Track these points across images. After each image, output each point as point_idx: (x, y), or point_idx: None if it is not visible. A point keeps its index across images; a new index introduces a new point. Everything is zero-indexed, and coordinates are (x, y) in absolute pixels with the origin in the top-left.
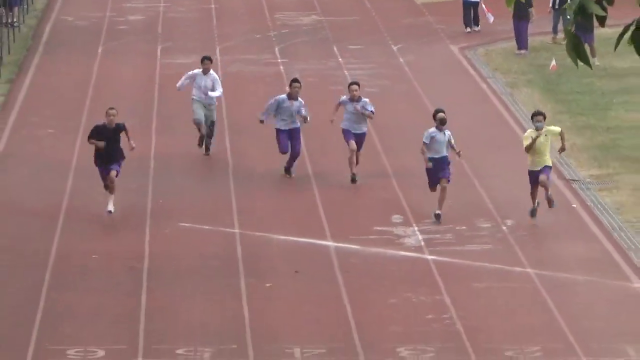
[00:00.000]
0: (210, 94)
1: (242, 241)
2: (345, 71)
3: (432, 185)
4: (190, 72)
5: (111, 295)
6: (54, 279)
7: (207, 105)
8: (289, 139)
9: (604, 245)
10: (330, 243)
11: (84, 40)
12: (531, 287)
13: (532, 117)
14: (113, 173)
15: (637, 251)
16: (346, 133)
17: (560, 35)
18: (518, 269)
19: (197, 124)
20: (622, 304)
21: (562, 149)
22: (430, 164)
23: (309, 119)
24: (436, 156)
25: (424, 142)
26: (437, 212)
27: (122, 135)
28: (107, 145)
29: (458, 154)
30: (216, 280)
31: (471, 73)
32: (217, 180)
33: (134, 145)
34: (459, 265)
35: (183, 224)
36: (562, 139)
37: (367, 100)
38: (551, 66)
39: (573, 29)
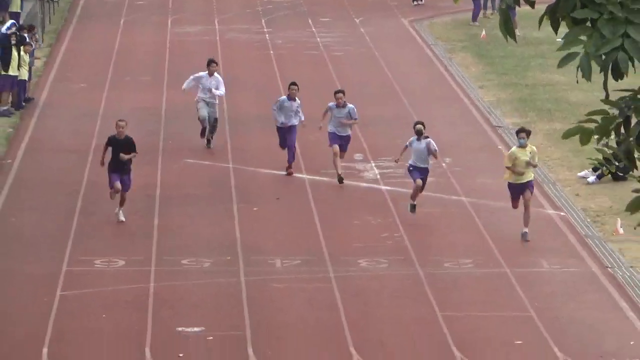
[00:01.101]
0: (214, 92)
1: (235, 174)
2: (318, 38)
3: (415, 179)
4: (196, 75)
5: (130, 216)
6: (84, 204)
7: (211, 104)
8: (286, 135)
9: None
10: (305, 176)
11: (110, 14)
12: (465, 212)
13: (516, 134)
14: (124, 192)
15: (549, 183)
16: (332, 136)
17: (489, 11)
18: (455, 197)
19: (201, 120)
20: (536, 226)
21: (534, 166)
22: (398, 159)
23: (303, 119)
24: (419, 165)
25: (406, 145)
26: (413, 203)
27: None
28: (117, 156)
29: (435, 156)
30: (214, 205)
31: (418, 41)
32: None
33: (131, 155)
34: (408, 194)
35: (188, 160)
36: (533, 157)
37: (352, 106)
38: (482, 35)
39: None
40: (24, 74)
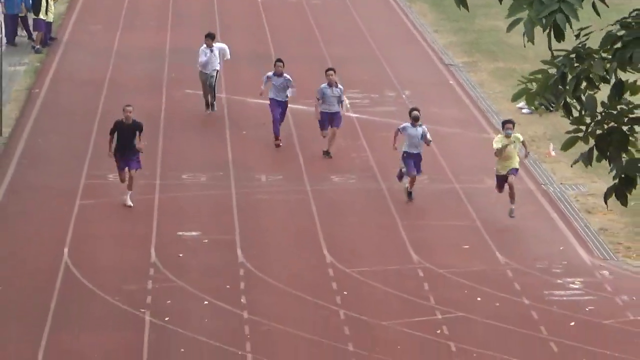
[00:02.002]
0: (206, 57)
1: (227, 103)
2: (306, 7)
3: (410, 172)
4: (200, 49)
5: (143, 159)
6: (100, 127)
7: (208, 75)
8: (279, 108)
9: (470, 110)
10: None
11: None
12: None
13: (502, 125)
14: (133, 171)
15: (493, 113)
16: (323, 116)
17: None
18: None
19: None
20: (481, 148)
21: (526, 155)
22: (396, 145)
23: (293, 93)
24: (413, 151)
25: (398, 129)
26: (409, 190)
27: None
28: (125, 139)
29: (427, 143)
30: (209, 130)
31: None
32: None
33: (142, 144)
34: (372, 121)
35: (188, 91)
36: (525, 146)
37: (341, 87)
38: None
39: None
40: (50, 17)
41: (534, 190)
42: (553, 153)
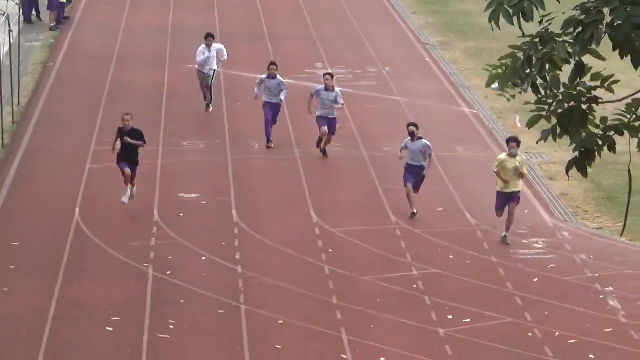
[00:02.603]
0: (221, 59)
1: (224, 77)
2: None
3: (406, 183)
4: (198, 49)
5: (143, 106)
6: (108, 97)
7: (206, 75)
8: (271, 110)
9: (444, 84)
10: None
11: None
12: (398, 107)
13: (507, 143)
14: (128, 171)
15: (464, 88)
16: (319, 119)
17: None
18: (392, 97)
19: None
20: (454, 120)
21: (522, 175)
22: (400, 155)
23: (286, 95)
24: (413, 163)
25: (401, 146)
26: (413, 211)
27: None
28: (126, 147)
29: (427, 166)
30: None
31: None
32: None
33: (135, 142)
34: (356, 94)
35: (188, 65)
36: (522, 170)
37: (339, 91)
38: None
39: None
40: None
41: None
42: (519, 125)
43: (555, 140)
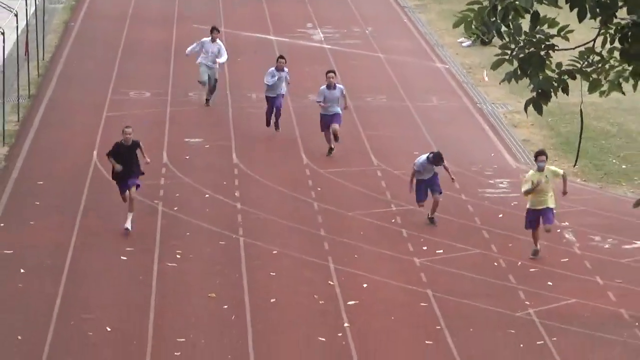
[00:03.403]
0: (218, 60)
1: (225, 36)
2: None
3: (420, 199)
4: (201, 40)
5: (154, 62)
6: (123, 54)
7: (211, 68)
8: (274, 104)
9: (420, 42)
10: (272, 37)
11: None
12: (379, 63)
13: (535, 157)
14: (133, 189)
15: (438, 46)
16: (323, 119)
17: None
18: (373, 54)
19: (202, 83)
20: (429, 74)
21: (564, 192)
22: (412, 190)
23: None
24: (426, 177)
25: (415, 169)
26: (431, 216)
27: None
28: (125, 161)
29: (452, 179)
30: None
31: None
32: (212, 4)
33: (148, 160)
34: (342, 51)
35: (195, 25)
36: (564, 182)
37: (342, 87)
38: None
39: None
40: None
41: (471, 108)
42: (486, 78)
43: (517, 81)
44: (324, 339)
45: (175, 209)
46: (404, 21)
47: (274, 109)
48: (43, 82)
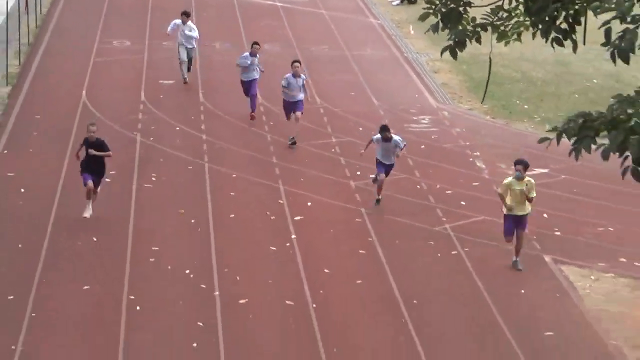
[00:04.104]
0: (187, 33)
1: None
2: None
3: (380, 172)
4: (175, 21)
5: (132, 17)
6: (108, 9)
7: (189, 48)
8: (249, 87)
9: (357, 1)
10: None
11: None
12: (323, 18)
13: (514, 165)
14: (90, 184)
15: (371, 4)
16: (286, 105)
17: None
18: (318, 10)
19: (182, 62)
20: (364, 28)
21: (529, 200)
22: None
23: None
24: (386, 162)
25: (373, 140)
26: (378, 197)
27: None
28: (90, 158)
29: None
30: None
31: None
32: None
33: (100, 154)
34: (292, 8)
35: None
36: (528, 191)
37: (304, 77)
38: None
39: None
40: None
41: (399, 57)
42: (412, 32)
43: (438, 32)
44: (275, 248)
45: (151, 139)
46: None
47: (250, 96)
48: (40, 33)
